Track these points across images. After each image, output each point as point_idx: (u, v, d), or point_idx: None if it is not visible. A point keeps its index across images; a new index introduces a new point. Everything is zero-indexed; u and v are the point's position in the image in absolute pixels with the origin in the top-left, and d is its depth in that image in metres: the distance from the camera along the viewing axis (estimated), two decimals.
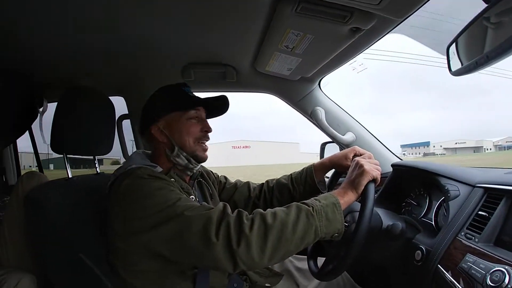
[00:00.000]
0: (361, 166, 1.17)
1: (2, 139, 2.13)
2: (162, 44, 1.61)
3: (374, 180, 1.16)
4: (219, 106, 1.41)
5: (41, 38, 1.45)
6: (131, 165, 1.21)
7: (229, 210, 1.06)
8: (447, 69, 0.99)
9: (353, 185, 1.15)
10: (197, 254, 1.00)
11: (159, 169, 1.25)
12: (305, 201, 1.08)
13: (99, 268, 1.18)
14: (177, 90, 1.33)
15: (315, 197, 1.11)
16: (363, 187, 1.14)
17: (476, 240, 0.99)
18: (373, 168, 1.17)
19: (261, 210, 1.05)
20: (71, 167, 1.46)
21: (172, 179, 1.22)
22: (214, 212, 1.03)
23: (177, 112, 1.29)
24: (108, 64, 1.82)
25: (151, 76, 1.91)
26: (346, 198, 1.13)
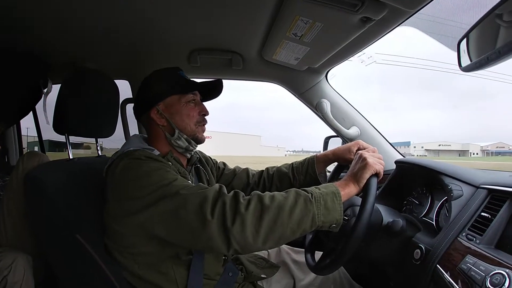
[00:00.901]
0: (364, 159, 1.15)
1: (7, 119, 2.14)
2: (169, 29, 1.60)
3: (376, 175, 1.14)
4: (213, 90, 1.41)
5: (48, 19, 1.45)
6: (128, 148, 1.21)
7: (225, 190, 1.06)
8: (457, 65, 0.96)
9: (355, 178, 1.13)
10: (192, 233, 1.00)
11: (156, 152, 1.24)
12: (305, 188, 1.07)
13: (95, 250, 1.17)
14: (174, 73, 1.34)
15: (316, 186, 1.09)
16: (365, 181, 1.12)
17: (477, 241, 0.97)
18: (376, 162, 1.15)
19: (259, 192, 1.05)
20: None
21: (169, 163, 1.22)
22: (210, 191, 1.03)
23: (175, 95, 1.29)
24: (114, 47, 1.81)
25: (157, 61, 1.91)
26: (347, 190, 1.11)
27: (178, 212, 1.00)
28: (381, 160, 1.19)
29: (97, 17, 1.45)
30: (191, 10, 1.40)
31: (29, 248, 1.35)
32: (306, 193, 1.04)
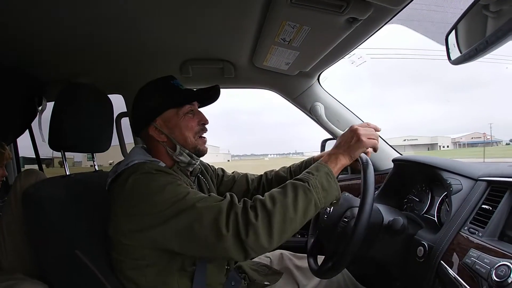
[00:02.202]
0: (358, 134, 1.17)
1: (4, 138, 2.13)
2: (159, 41, 1.61)
3: (373, 149, 1.19)
4: (211, 96, 1.38)
5: (40, 36, 1.46)
6: (133, 160, 1.19)
7: (236, 200, 1.06)
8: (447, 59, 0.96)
9: (348, 150, 1.16)
10: (208, 246, 1.00)
11: (163, 164, 1.23)
12: (298, 176, 1.09)
13: (95, 265, 1.16)
14: (167, 84, 1.29)
15: (307, 170, 1.11)
16: (357, 154, 1.15)
17: (480, 234, 0.96)
18: (370, 134, 1.18)
19: (260, 196, 1.05)
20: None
21: (177, 174, 1.21)
22: (224, 204, 1.03)
23: (172, 109, 1.25)
24: (106, 63, 1.82)
25: (149, 73, 1.85)
26: (339, 165, 1.14)
27: (193, 226, 1.00)
28: (374, 134, 1.20)
29: (89, 33, 1.46)
30: (180, 22, 1.41)
31: (30, 269, 1.34)
32: (302, 182, 1.05)
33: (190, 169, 1.34)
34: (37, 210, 1.19)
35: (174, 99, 1.26)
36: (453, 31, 0.94)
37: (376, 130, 1.24)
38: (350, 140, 1.16)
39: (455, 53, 0.93)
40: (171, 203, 1.03)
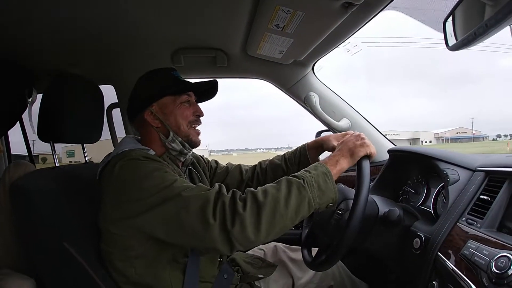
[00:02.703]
0: (363, 138, 1.17)
1: None
2: (150, 30, 1.58)
3: (369, 157, 1.15)
4: (209, 90, 1.40)
5: (30, 27, 1.44)
6: (123, 149, 1.18)
7: (225, 190, 1.05)
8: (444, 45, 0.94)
9: (349, 153, 1.14)
10: (195, 236, 1.00)
11: (152, 152, 1.22)
12: (295, 174, 1.07)
13: (84, 258, 1.14)
14: (168, 74, 1.31)
15: (305, 169, 1.09)
16: (359, 158, 1.13)
17: (478, 225, 0.94)
18: (372, 145, 1.17)
19: (252, 189, 1.04)
20: None
21: (166, 163, 1.20)
22: (211, 193, 1.02)
23: (170, 96, 1.27)
24: (97, 53, 1.80)
25: (140, 63, 1.87)
26: (339, 167, 1.11)
27: (179, 215, 0.99)
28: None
29: (79, 22, 1.44)
30: (171, 9, 1.39)
31: (18, 264, 1.32)
32: (297, 179, 1.03)
33: (182, 159, 1.32)
34: (26, 202, 1.17)
35: (172, 88, 1.27)
36: (451, 17, 0.92)
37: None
38: (355, 142, 1.16)
39: (453, 39, 0.91)
40: (157, 190, 1.03)
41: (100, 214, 1.15)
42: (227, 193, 1.03)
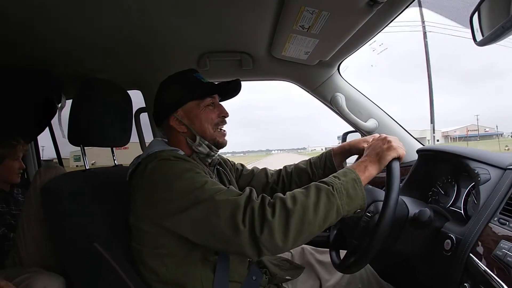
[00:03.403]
0: (389, 141, 1.15)
1: (25, 136, 2.18)
2: (177, 35, 1.61)
3: (399, 159, 1.12)
4: (232, 89, 1.40)
5: (58, 34, 1.48)
6: (153, 150, 1.20)
7: (255, 195, 1.05)
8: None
9: (377, 158, 1.12)
10: (224, 240, 1.00)
11: (182, 152, 1.24)
12: (324, 179, 1.06)
13: (114, 259, 1.17)
14: (190, 77, 1.33)
15: (334, 174, 1.08)
16: (387, 162, 1.10)
17: (511, 225, 0.91)
18: (400, 146, 1.14)
19: (281, 194, 1.03)
20: None
21: (195, 162, 1.22)
22: (242, 199, 1.01)
23: (194, 101, 1.28)
24: (124, 58, 1.84)
25: (167, 69, 1.88)
26: (367, 174, 1.09)
27: (210, 219, 1.00)
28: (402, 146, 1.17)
29: (106, 29, 1.47)
30: (197, 14, 1.41)
31: (49, 263, 1.37)
32: (326, 186, 1.02)
33: (209, 160, 1.34)
34: (57, 204, 1.21)
35: (195, 92, 1.29)
36: (476, 13, 0.90)
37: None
38: (381, 147, 1.14)
39: (481, 34, 0.89)
40: (189, 191, 1.04)
41: (131, 213, 1.17)
42: (257, 198, 1.03)
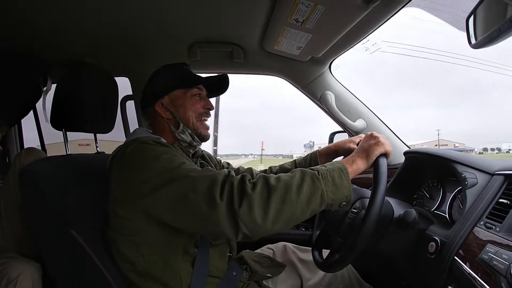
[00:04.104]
0: (376, 137, 1.16)
1: (8, 119, 2.13)
2: (168, 22, 1.60)
3: (386, 155, 1.13)
4: (220, 85, 1.44)
5: (47, 16, 1.46)
6: (135, 137, 1.20)
7: (234, 173, 1.04)
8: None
9: (365, 153, 1.13)
10: (200, 216, 0.98)
11: (164, 140, 1.22)
12: (311, 167, 1.05)
13: (90, 247, 1.15)
14: (180, 68, 1.37)
15: (321, 164, 1.08)
16: (375, 157, 1.12)
17: (497, 229, 0.91)
18: (387, 143, 1.15)
19: (264, 174, 1.05)
20: None
21: (175, 149, 1.22)
22: (220, 174, 1.01)
23: (181, 89, 1.31)
24: (113, 44, 1.81)
25: (156, 56, 1.91)
26: (355, 166, 1.09)
27: (187, 194, 0.98)
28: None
29: (96, 13, 1.46)
30: (189, 3, 1.40)
31: (25, 249, 1.35)
32: (312, 171, 1.02)
33: (192, 150, 1.36)
34: (35, 187, 1.19)
35: (183, 80, 1.33)
36: (473, 14, 0.91)
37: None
38: (368, 142, 1.16)
39: (477, 36, 0.90)
40: (165, 171, 1.03)
41: (109, 198, 1.16)
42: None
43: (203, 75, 1.41)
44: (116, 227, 1.14)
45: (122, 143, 1.26)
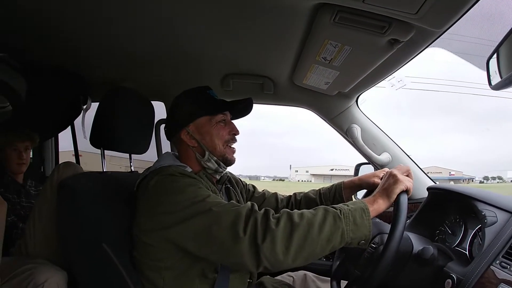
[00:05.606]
0: (395, 175, 1.15)
1: (47, 132, 2.27)
2: (204, 53, 1.66)
3: (407, 191, 1.13)
4: (244, 108, 1.43)
5: (91, 41, 1.55)
6: (161, 164, 1.23)
7: (257, 208, 1.06)
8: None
9: (385, 193, 1.13)
10: (224, 249, 1.01)
11: (189, 169, 1.26)
12: (333, 205, 1.07)
13: (119, 261, 1.19)
14: (203, 94, 1.35)
15: (344, 202, 1.10)
16: (395, 196, 1.12)
17: None
18: (406, 179, 1.15)
19: (288, 210, 1.05)
20: None
21: (201, 180, 1.23)
22: (243, 208, 1.03)
23: (205, 116, 1.30)
24: (151, 70, 1.90)
25: (192, 83, 1.92)
26: (376, 206, 1.10)
27: (211, 228, 1.01)
28: (411, 179, 1.18)
29: (137, 40, 1.53)
30: (225, 36, 1.46)
31: (55, 257, 1.40)
32: (334, 209, 1.04)
33: (217, 176, 1.36)
34: (72, 201, 1.24)
35: (208, 107, 1.31)
36: (495, 55, 0.92)
37: (408, 170, 1.24)
38: (388, 181, 1.16)
39: (497, 78, 0.91)
40: (190, 203, 1.06)
41: (134, 223, 1.19)
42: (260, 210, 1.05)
43: None
44: (141, 251, 1.18)
45: (152, 163, 1.32)
